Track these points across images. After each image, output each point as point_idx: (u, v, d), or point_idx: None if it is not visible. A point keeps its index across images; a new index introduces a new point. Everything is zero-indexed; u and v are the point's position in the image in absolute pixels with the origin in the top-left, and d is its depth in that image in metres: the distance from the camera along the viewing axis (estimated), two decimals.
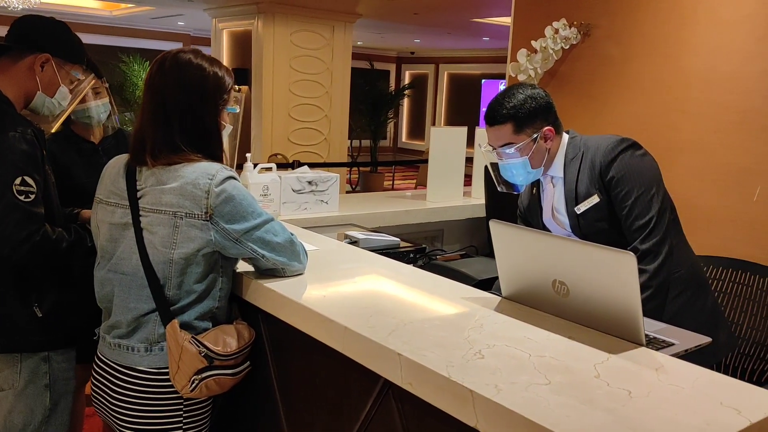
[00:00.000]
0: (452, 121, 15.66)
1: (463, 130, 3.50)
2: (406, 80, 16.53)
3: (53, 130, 2.19)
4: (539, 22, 3.76)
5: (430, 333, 1.42)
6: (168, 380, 1.64)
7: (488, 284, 2.17)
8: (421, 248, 2.55)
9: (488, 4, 7.94)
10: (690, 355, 1.51)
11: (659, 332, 1.63)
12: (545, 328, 1.49)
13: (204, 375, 1.60)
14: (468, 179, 3.56)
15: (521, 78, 3.74)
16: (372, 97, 11.94)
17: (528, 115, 1.93)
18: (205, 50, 1.81)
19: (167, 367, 1.63)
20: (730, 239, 3.09)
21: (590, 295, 1.49)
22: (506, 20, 5.10)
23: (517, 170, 1.98)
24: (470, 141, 3.36)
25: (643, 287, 1.81)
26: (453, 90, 16.02)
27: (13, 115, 1.80)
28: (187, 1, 8.49)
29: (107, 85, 2.35)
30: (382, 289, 1.82)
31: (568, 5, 3.73)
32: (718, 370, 1.62)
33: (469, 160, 3.47)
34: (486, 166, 2.77)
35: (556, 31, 3.65)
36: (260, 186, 2.72)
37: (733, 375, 2.30)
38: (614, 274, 1.43)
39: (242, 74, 8.19)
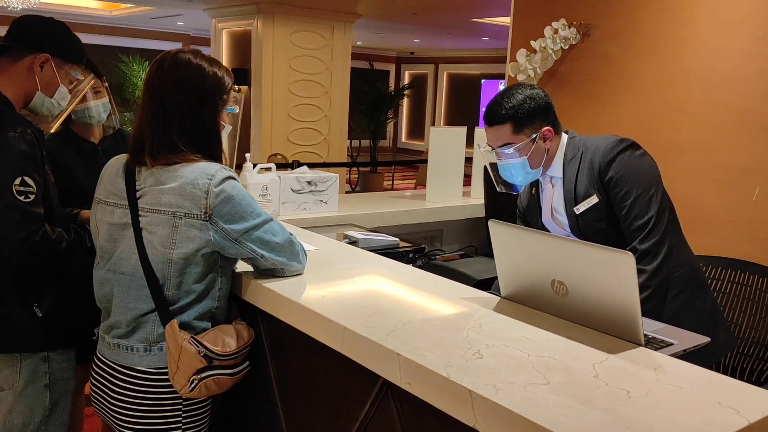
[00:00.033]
0: (452, 121, 15.67)
1: (462, 130, 3.50)
2: (406, 80, 16.54)
3: (52, 130, 2.19)
4: (539, 22, 3.76)
5: (429, 333, 1.42)
6: (167, 380, 1.64)
7: (487, 284, 2.17)
8: (420, 248, 2.56)
9: (487, 4, 7.94)
10: (689, 355, 1.51)
11: (658, 332, 1.63)
12: (544, 328, 1.49)
13: (203, 375, 1.60)
14: (467, 179, 3.57)
15: (520, 78, 3.74)
16: (371, 97, 11.94)
17: (527, 116, 1.93)
18: (204, 50, 1.81)
19: (166, 367, 1.63)
20: (730, 239, 3.09)
21: (589, 295, 1.49)
22: (506, 20, 5.10)
23: (516, 170, 1.99)
24: (470, 141, 3.36)
25: (642, 287, 1.81)
26: (452, 90, 16.03)
27: (12, 115, 1.80)
28: (186, 1, 8.49)
29: (107, 84, 2.35)
30: (381, 289, 1.82)
31: (567, 5, 3.73)
32: (718, 370, 1.62)
33: (469, 160, 3.47)
34: (485, 167, 2.77)
35: (556, 31, 3.65)
36: (259, 186, 2.72)
37: (733, 375, 2.30)
38: (613, 274, 1.44)
39: (242, 74, 8.19)
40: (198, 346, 1.59)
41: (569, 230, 2.04)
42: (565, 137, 2.04)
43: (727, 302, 2.41)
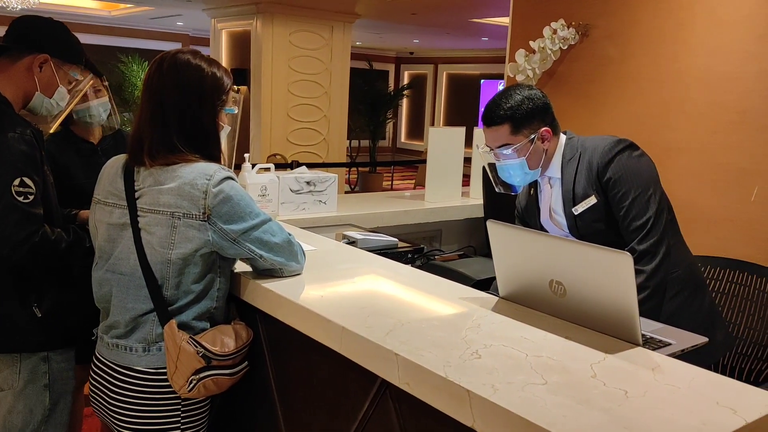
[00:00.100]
0: (451, 121, 15.67)
1: (461, 131, 3.50)
2: (405, 80, 16.54)
3: (52, 131, 2.19)
4: (537, 22, 3.76)
5: (428, 333, 1.43)
6: (166, 380, 1.64)
7: (486, 284, 2.17)
8: (419, 248, 2.56)
9: (487, 5, 7.95)
10: (687, 355, 1.52)
11: (656, 332, 1.63)
12: (542, 328, 1.49)
13: (202, 375, 1.60)
14: (466, 179, 3.57)
15: (519, 78, 3.74)
16: (371, 98, 11.93)
17: (525, 116, 1.93)
18: (203, 50, 1.81)
19: (165, 368, 1.64)
20: (728, 239, 3.09)
21: (587, 295, 1.50)
22: (505, 20, 5.10)
23: (515, 171, 1.99)
24: (469, 141, 3.37)
25: (641, 288, 1.81)
26: (452, 90, 16.03)
27: (11, 115, 1.80)
28: (185, 2, 8.49)
29: (107, 83, 2.35)
30: (379, 289, 1.82)
31: (566, 6, 3.73)
32: (716, 370, 1.63)
33: (468, 161, 3.48)
34: (484, 167, 2.77)
35: (555, 32, 3.66)
36: (258, 186, 2.72)
37: (731, 375, 2.30)
38: (611, 275, 1.44)
39: (241, 74, 8.19)
40: (197, 347, 1.59)
41: (568, 231, 2.04)
42: (563, 138, 2.05)
43: (725, 302, 2.41)
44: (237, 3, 8.11)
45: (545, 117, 1.97)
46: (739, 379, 1.67)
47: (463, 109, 15.44)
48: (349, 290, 1.80)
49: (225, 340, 1.65)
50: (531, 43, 3.71)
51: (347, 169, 10.56)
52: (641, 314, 1.45)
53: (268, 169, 2.80)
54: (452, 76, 16.00)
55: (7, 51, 1.86)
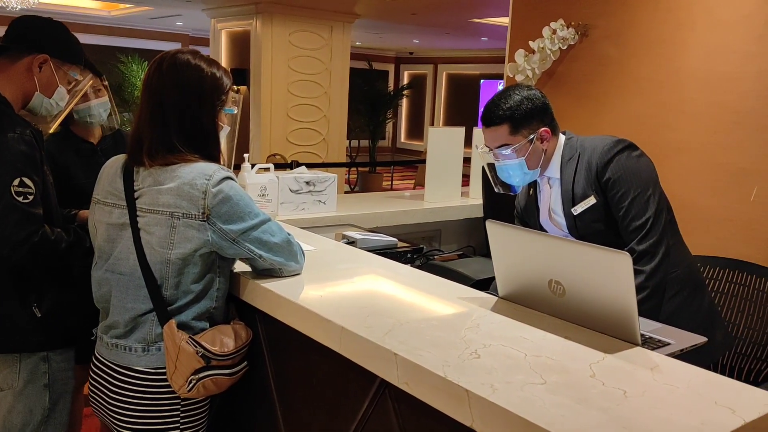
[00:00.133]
0: (451, 121, 15.67)
1: (461, 131, 3.50)
2: (405, 80, 16.54)
3: (51, 131, 2.19)
4: (537, 22, 3.77)
5: (427, 333, 1.43)
6: (165, 380, 1.64)
7: (486, 284, 2.17)
8: (418, 248, 2.56)
9: (486, 5, 7.95)
10: (686, 355, 1.52)
11: (655, 332, 1.63)
12: (541, 328, 1.49)
13: (201, 375, 1.60)
14: (466, 179, 3.57)
15: (519, 78, 3.74)
16: (371, 98, 11.94)
17: (524, 117, 1.93)
18: (203, 50, 1.81)
19: (164, 367, 1.64)
20: (727, 239, 3.09)
21: (586, 295, 1.50)
22: (504, 20, 5.10)
23: (514, 171, 1.99)
24: (468, 141, 3.37)
25: (640, 288, 1.81)
26: (452, 90, 16.03)
27: (11, 115, 1.80)
28: (185, 2, 8.49)
29: (106, 83, 2.35)
30: (379, 289, 1.82)
31: (565, 6, 3.73)
32: (715, 370, 1.63)
33: (467, 161, 3.48)
34: (483, 167, 2.77)
35: (554, 32, 3.66)
36: (258, 186, 2.72)
37: (730, 375, 2.31)
38: (610, 274, 1.44)
39: (241, 74, 8.19)
40: (196, 346, 1.59)
41: (567, 231, 2.05)
42: (562, 138, 2.05)
43: (724, 302, 2.42)
44: (236, 3, 8.11)
45: (544, 117, 1.98)
46: (739, 378, 1.67)
47: (462, 109, 15.44)
48: (348, 290, 1.80)
49: (224, 340, 1.66)
50: (530, 43, 3.71)
51: (347, 169, 10.56)
52: (640, 314, 1.45)
53: (267, 169, 2.80)
54: (452, 76, 16.00)
55: (7, 51, 1.86)
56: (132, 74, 10.55)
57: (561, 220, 2.05)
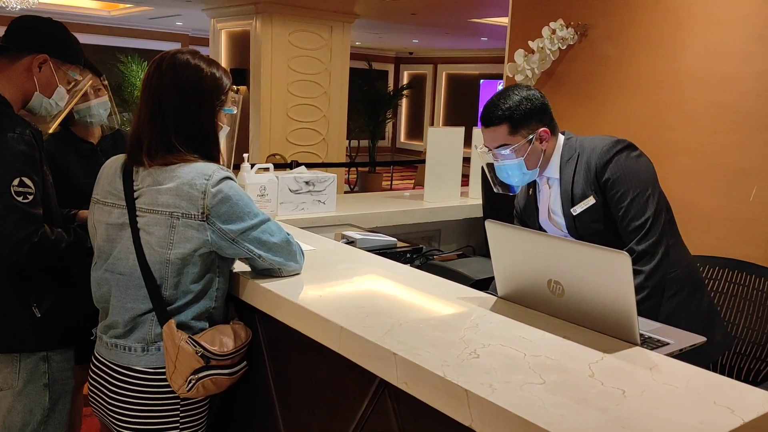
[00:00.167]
0: (451, 121, 15.68)
1: (460, 131, 3.51)
2: (405, 80, 16.55)
3: (51, 131, 2.19)
4: (536, 22, 3.77)
5: (426, 333, 1.43)
6: (165, 380, 1.64)
7: (485, 284, 2.17)
8: (418, 248, 2.56)
9: (486, 5, 7.95)
10: (685, 355, 1.52)
11: (654, 332, 1.63)
12: (540, 328, 1.50)
13: (201, 375, 1.61)
14: (465, 179, 3.57)
15: (519, 78, 3.74)
16: (370, 98, 11.94)
17: (523, 117, 1.94)
18: (203, 50, 1.81)
19: (164, 367, 1.64)
20: (727, 239, 3.09)
21: (585, 295, 1.50)
22: (504, 20, 5.10)
23: (513, 171, 1.99)
24: (468, 141, 3.37)
25: (639, 288, 1.81)
26: (451, 90, 16.04)
27: (11, 115, 1.80)
28: (185, 2, 8.49)
29: (106, 82, 2.35)
30: (378, 289, 1.82)
31: (565, 5, 3.73)
32: (714, 370, 1.63)
33: (467, 160, 3.48)
34: (483, 167, 2.78)
35: (554, 32, 3.66)
36: (257, 186, 2.72)
37: (730, 374, 2.31)
38: (609, 274, 1.44)
39: (240, 74, 8.19)
40: (195, 346, 1.59)
41: (566, 231, 2.05)
42: (561, 138, 2.05)
43: (723, 302, 2.42)
44: (236, 3, 8.11)
45: (543, 117, 1.98)
46: (738, 378, 1.67)
47: (462, 109, 15.45)
48: (347, 290, 1.80)
49: (224, 339, 1.66)
50: (530, 43, 3.71)
51: (346, 169, 10.56)
52: (640, 314, 1.45)
53: (267, 169, 2.80)
54: (451, 76, 16.01)
55: (6, 51, 1.86)
56: (132, 74, 10.55)
57: (560, 220, 2.05)
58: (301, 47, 8.26)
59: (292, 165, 4.91)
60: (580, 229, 2.00)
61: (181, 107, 1.65)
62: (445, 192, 3.48)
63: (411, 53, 16.68)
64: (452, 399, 1.19)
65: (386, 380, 1.35)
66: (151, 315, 1.64)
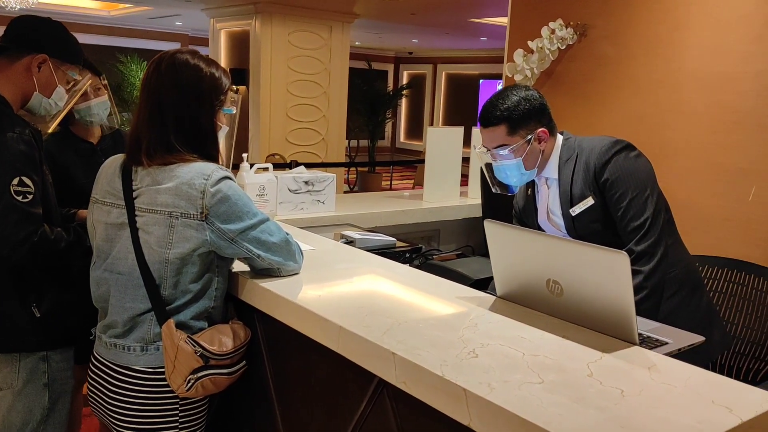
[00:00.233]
0: (450, 121, 15.67)
1: (459, 130, 3.51)
2: (404, 80, 16.54)
3: (50, 131, 2.19)
4: (536, 22, 3.77)
5: (425, 332, 1.43)
6: (164, 380, 1.64)
7: (484, 284, 2.17)
8: (417, 248, 2.56)
9: (485, 5, 7.95)
10: (684, 354, 1.52)
11: (653, 331, 1.63)
12: (539, 328, 1.50)
13: (200, 374, 1.61)
14: (465, 179, 3.57)
15: (518, 78, 3.74)
16: (370, 97, 11.93)
17: (522, 117, 1.94)
18: (202, 50, 1.81)
19: (163, 367, 1.64)
20: (726, 239, 3.10)
21: (584, 295, 1.50)
22: (503, 20, 5.11)
23: (511, 171, 1.99)
24: (467, 141, 3.36)
25: (638, 288, 1.82)
26: (451, 90, 16.04)
27: (10, 115, 1.80)
28: (184, 1, 8.49)
29: (106, 82, 2.35)
30: (377, 288, 1.82)
31: (564, 6, 3.74)
32: (713, 370, 1.63)
33: (467, 160, 3.48)
34: (481, 167, 2.78)
35: (553, 32, 3.66)
36: (256, 186, 2.72)
37: (729, 374, 2.31)
38: (608, 274, 1.44)
39: (240, 74, 8.19)
40: (194, 346, 1.60)
41: (565, 231, 2.05)
42: (560, 138, 2.05)
43: (722, 302, 2.42)
44: (236, 3, 8.11)
45: (542, 118, 1.98)
46: (737, 378, 1.67)
47: (461, 109, 15.45)
48: (346, 290, 1.80)
49: (223, 339, 1.66)
50: (529, 43, 3.71)
51: (346, 168, 10.56)
52: (639, 314, 1.45)
53: (266, 169, 2.80)
54: (451, 76, 16.01)
55: (6, 51, 1.86)
56: (131, 74, 10.54)
57: (559, 220, 2.05)
58: (300, 47, 8.26)
59: (292, 165, 4.91)
60: (579, 229, 2.00)
61: (181, 107, 1.65)
62: (444, 192, 3.48)
63: (410, 53, 16.68)
64: (451, 398, 1.19)
65: (385, 380, 1.35)
66: (150, 314, 1.64)
